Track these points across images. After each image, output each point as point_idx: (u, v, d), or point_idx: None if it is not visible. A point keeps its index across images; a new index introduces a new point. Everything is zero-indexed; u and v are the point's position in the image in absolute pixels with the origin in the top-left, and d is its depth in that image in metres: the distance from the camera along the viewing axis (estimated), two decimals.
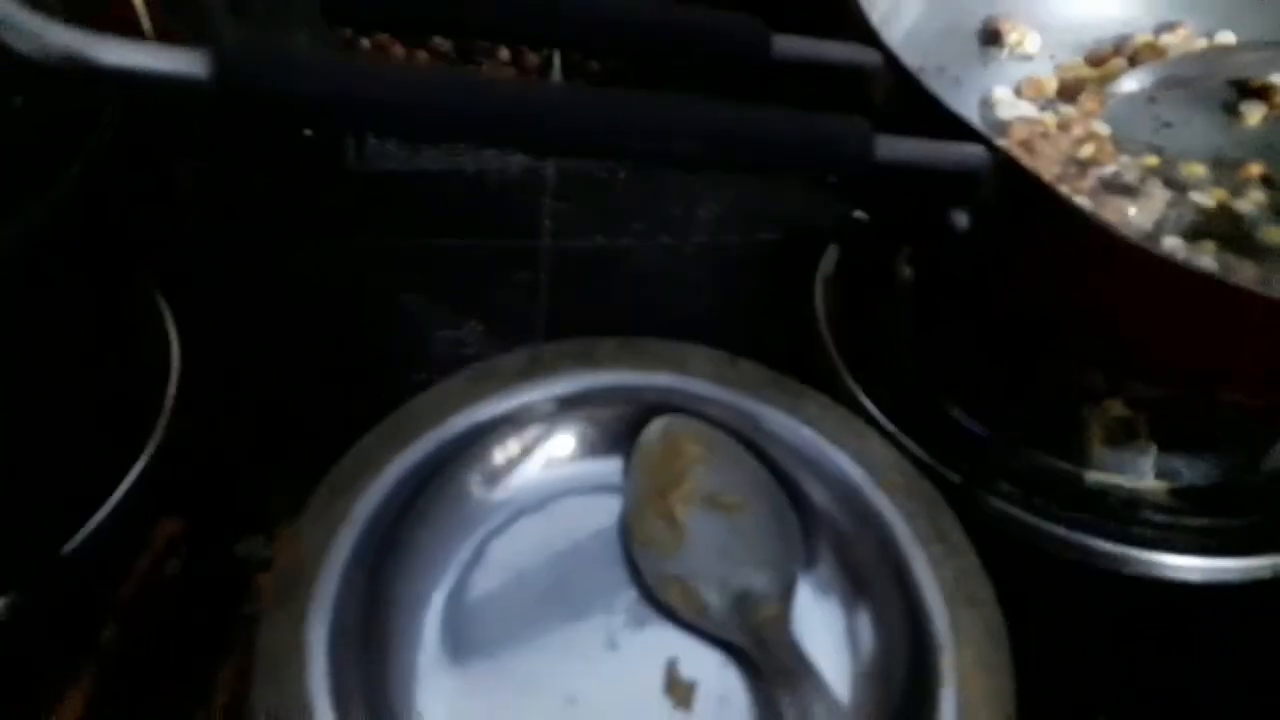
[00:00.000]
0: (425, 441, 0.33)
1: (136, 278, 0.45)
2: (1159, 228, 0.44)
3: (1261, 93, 0.49)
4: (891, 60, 0.35)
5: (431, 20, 0.28)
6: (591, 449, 0.36)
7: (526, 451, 0.35)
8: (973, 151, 0.32)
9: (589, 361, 0.35)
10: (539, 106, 0.25)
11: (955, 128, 0.33)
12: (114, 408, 0.40)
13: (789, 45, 0.33)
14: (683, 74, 0.33)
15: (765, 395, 0.36)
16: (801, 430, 0.35)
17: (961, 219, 0.33)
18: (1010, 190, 0.32)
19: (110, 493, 0.37)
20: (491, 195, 0.57)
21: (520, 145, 0.26)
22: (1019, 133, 0.46)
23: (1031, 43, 0.51)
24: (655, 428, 0.36)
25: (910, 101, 0.34)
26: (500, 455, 0.35)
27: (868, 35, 0.35)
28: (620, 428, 0.36)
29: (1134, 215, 0.43)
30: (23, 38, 0.20)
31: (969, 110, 0.49)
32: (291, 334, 0.48)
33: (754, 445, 0.36)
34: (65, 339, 0.38)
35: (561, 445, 0.36)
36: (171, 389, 0.42)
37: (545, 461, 0.36)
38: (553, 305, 0.51)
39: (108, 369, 0.41)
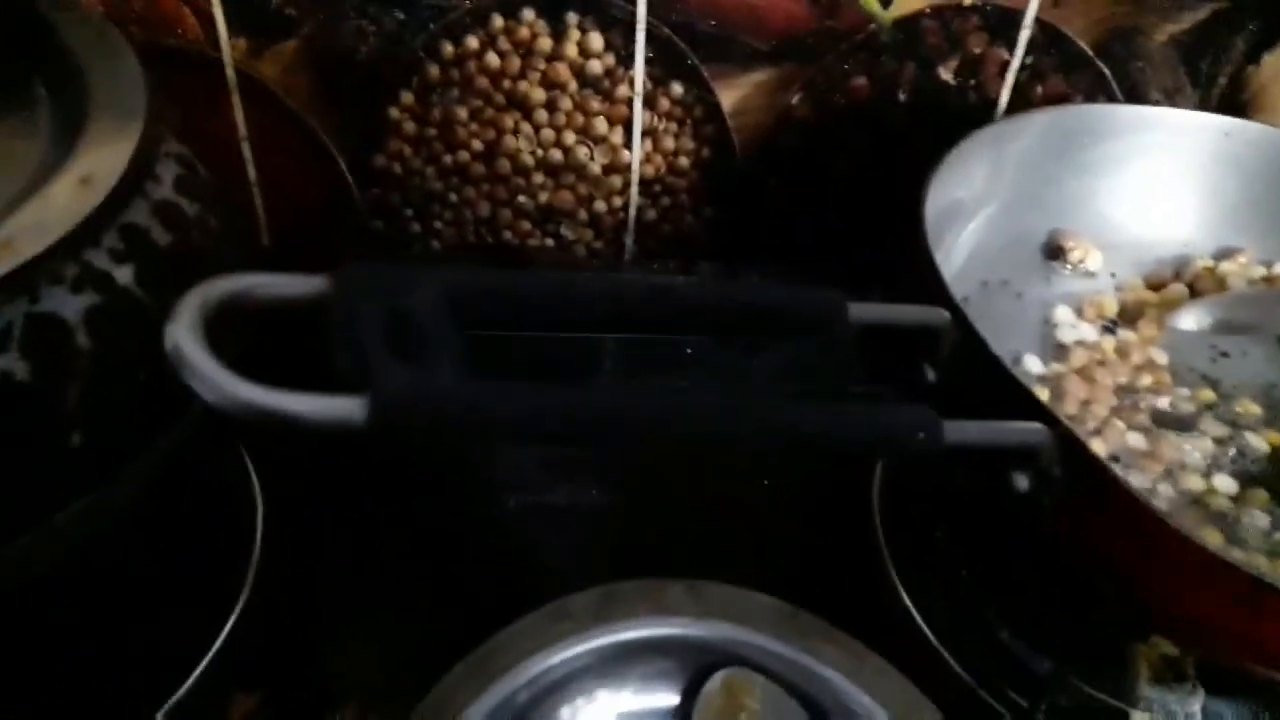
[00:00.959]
0: (503, 685, 0.35)
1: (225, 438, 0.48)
2: (1212, 466, 0.45)
3: None
4: (963, 323, 0.37)
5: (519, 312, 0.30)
6: (655, 691, 0.38)
7: (596, 696, 0.37)
8: (1034, 429, 0.33)
9: (659, 607, 0.37)
10: (641, 411, 0.27)
11: (1019, 399, 0.35)
12: (200, 576, 0.43)
13: (864, 312, 0.35)
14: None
15: (822, 652, 0.38)
16: (859, 696, 0.36)
17: (1022, 481, 0.35)
18: (1068, 463, 0.34)
19: (194, 666, 0.39)
20: None
21: (622, 444, 0.28)
22: (1078, 358, 0.48)
23: (1093, 260, 0.54)
24: (717, 680, 0.37)
25: (974, 362, 0.36)
26: (570, 706, 0.37)
27: (942, 298, 0.37)
28: (684, 673, 0.38)
29: (1187, 452, 0.45)
30: (210, 389, 0.23)
31: (1031, 327, 0.51)
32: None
33: (809, 700, 0.37)
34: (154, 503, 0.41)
35: (629, 689, 0.38)
36: (255, 554, 0.45)
37: (614, 707, 0.37)
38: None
39: (195, 533, 0.44)
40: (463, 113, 0.64)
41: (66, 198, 0.29)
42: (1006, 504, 0.36)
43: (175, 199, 0.34)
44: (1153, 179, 0.54)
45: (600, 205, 0.68)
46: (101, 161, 0.31)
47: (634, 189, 0.67)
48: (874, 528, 0.48)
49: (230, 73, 0.61)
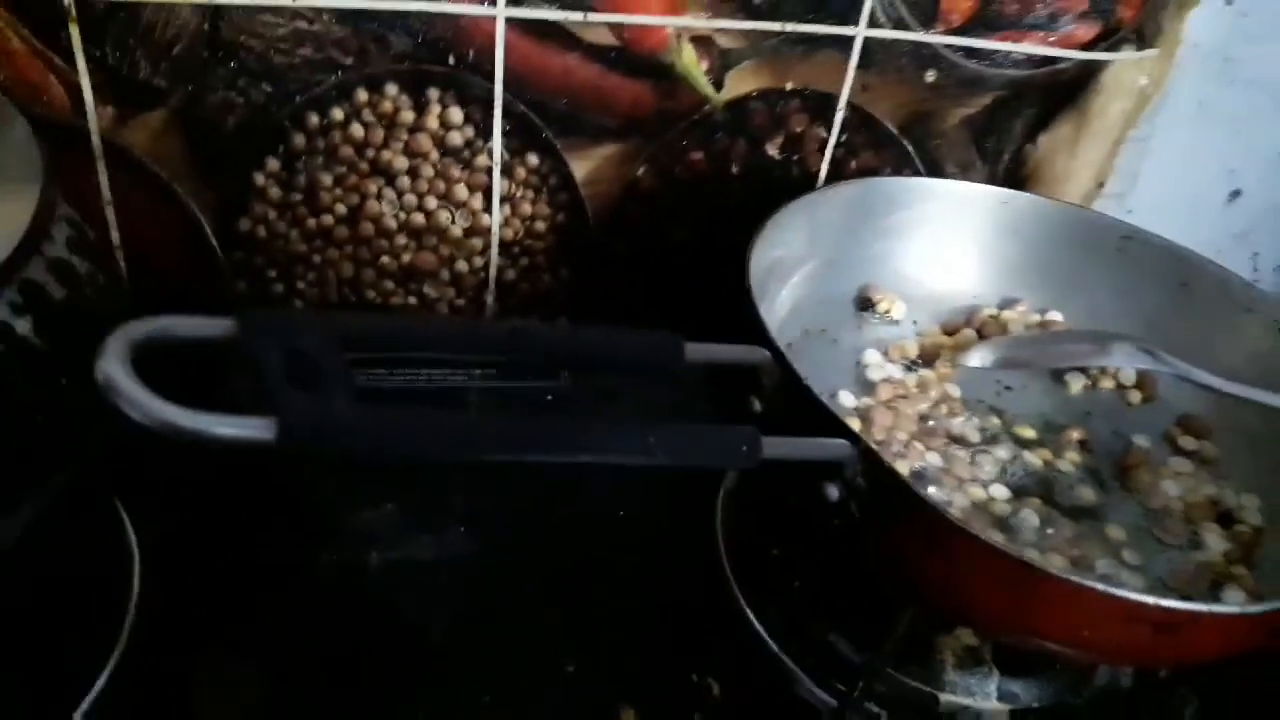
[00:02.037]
0: None
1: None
2: (998, 480, 0.52)
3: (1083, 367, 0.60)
4: (780, 360, 0.43)
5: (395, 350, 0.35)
6: None
7: None
8: (840, 445, 0.39)
9: None
10: (518, 433, 0.32)
11: (828, 421, 0.41)
12: (74, 622, 0.44)
13: (698, 352, 0.41)
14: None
15: None
16: None
17: (833, 491, 0.41)
18: (869, 474, 0.40)
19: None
20: None
21: (498, 460, 0.32)
22: (884, 392, 0.55)
23: (898, 310, 0.61)
24: None
25: (792, 392, 0.42)
26: None
27: (763, 340, 0.44)
28: None
29: (978, 467, 0.52)
30: (134, 409, 0.27)
31: (845, 368, 0.58)
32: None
33: None
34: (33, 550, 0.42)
35: None
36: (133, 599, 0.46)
37: None
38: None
39: (67, 581, 0.45)
40: (327, 179, 0.67)
41: None
42: (820, 513, 0.42)
43: (68, 257, 0.36)
44: (945, 240, 0.63)
45: (462, 265, 0.72)
46: (3, 221, 0.34)
47: (494, 250, 0.72)
48: (718, 550, 0.54)
49: (96, 140, 0.62)
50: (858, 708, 0.47)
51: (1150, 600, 0.36)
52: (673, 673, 0.48)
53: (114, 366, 0.27)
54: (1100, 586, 0.36)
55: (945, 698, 0.48)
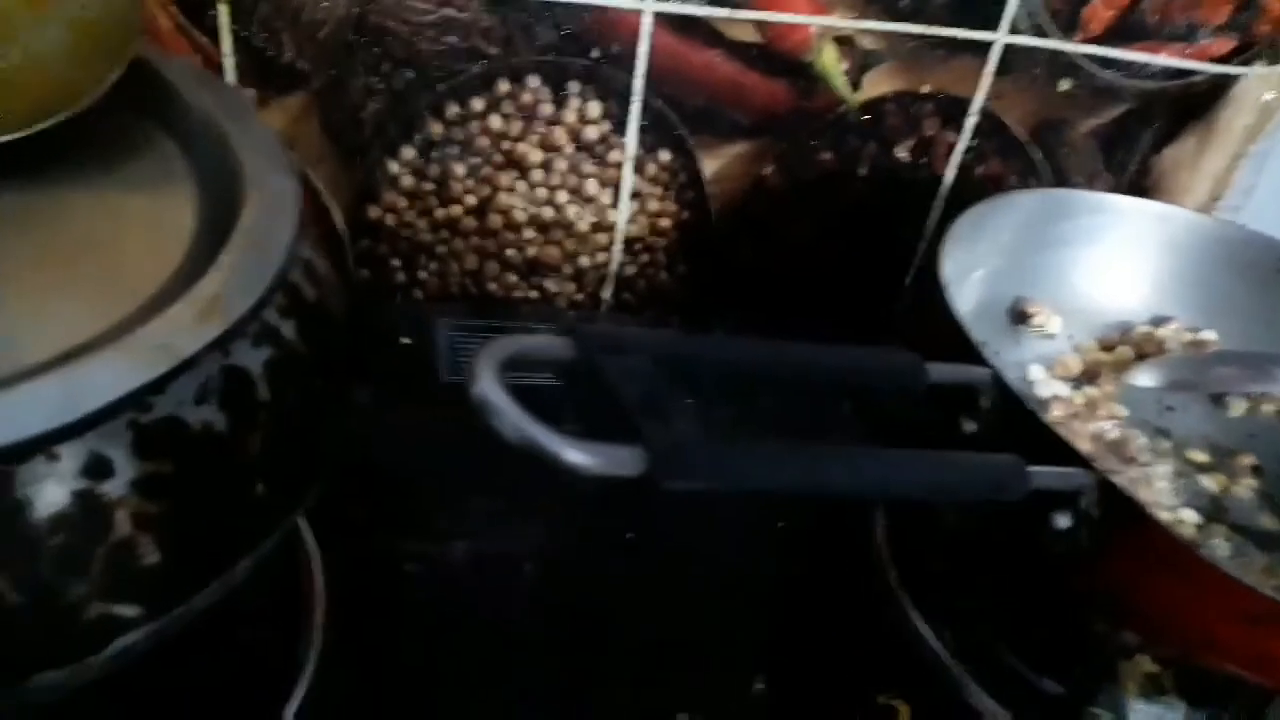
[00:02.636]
0: None
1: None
2: (1182, 503, 0.52)
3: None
4: (999, 381, 0.42)
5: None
6: None
7: None
8: (1079, 473, 0.39)
9: None
10: (863, 473, 0.31)
11: (1057, 448, 0.40)
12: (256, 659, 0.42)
13: (939, 371, 0.40)
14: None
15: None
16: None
17: (1063, 520, 0.40)
18: (1107, 502, 0.39)
19: None
20: None
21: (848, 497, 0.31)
22: (1058, 411, 0.54)
23: (1054, 324, 0.60)
24: None
25: (1013, 416, 0.41)
26: None
27: (977, 359, 0.42)
28: None
29: (1156, 493, 0.51)
30: (512, 431, 0.25)
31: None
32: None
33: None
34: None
35: None
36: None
37: None
38: None
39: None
40: (461, 169, 0.66)
41: (245, 257, 0.31)
42: (1047, 543, 0.41)
43: (312, 256, 0.35)
44: (1101, 255, 0.62)
45: (584, 260, 0.71)
46: (268, 220, 0.32)
47: (617, 246, 0.71)
48: (882, 565, 0.53)
49: None
50: None
51: None
52: (859, 695, 0.48)
53: (489, 385, 0.26)
54: None
55: None
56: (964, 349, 0.44)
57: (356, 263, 0.68)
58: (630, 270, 0.73)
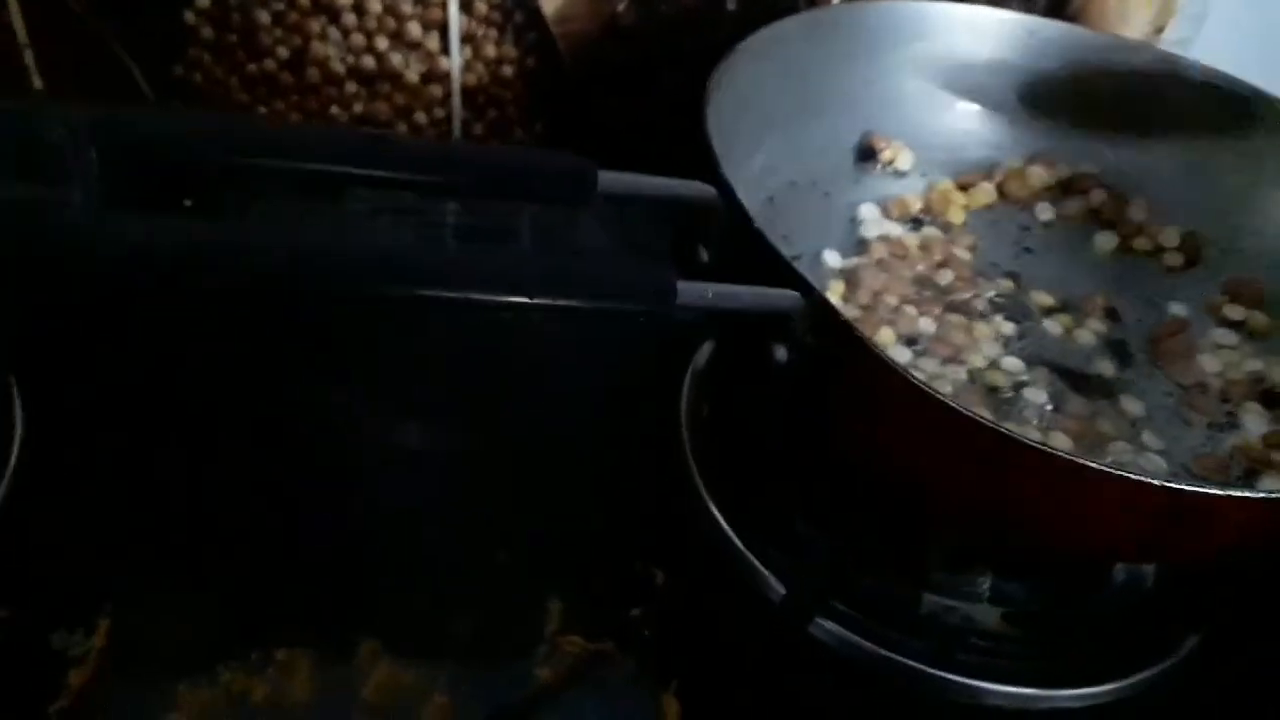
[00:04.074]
0: None
1: None
2: (1004, 351, 0.45)
3: (1114, 224, 0.51)
4: (729, 197, 0.36)
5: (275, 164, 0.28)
6: None
7: None
8: (786, 294, 0.32)
9: None
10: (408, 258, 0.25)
11: (777, 267, 0.34)
12: None
13: (615, 181, 0.34)
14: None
15: None
16: None
17: (780, 352, 0.34)
18: (820, 328, 0.33)
19: None
20: None
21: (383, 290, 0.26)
22: (878, 251, 0.47)
23: (904, 160, 0.53)
24: None
25: (741, 236, 0.35)
26: None
27: (712, 172, 0.36)
28: None
29: (978, 339, 0.45)
30: None
31: (837, 225, 0.50)
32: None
33: None
34: None
35: None
36: (10, 466, 0.41)
37: None
38: None
39: None
40: (265, 17, 0.60)
41: None
42: (772, 380, 0.35)
43: None
44: (960, 79, 0.54)
45: (420, 117, 0.65)
46: None
47: (456, 99, 0.65)
48: (680, 432, 0.47)
49: None
50: (820, 603, 0.40)
51: (1156, 483, 0.29)
52: (617, 563, 0.43)
53: None
54: (1091, 463, 0.29)
55: (929, 598, 0.42)
56: (704, 160, 0.37)
57: None
58: (478, 129, 0.67)
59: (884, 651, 0.40)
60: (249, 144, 0.28)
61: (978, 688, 0.40)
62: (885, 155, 0.53)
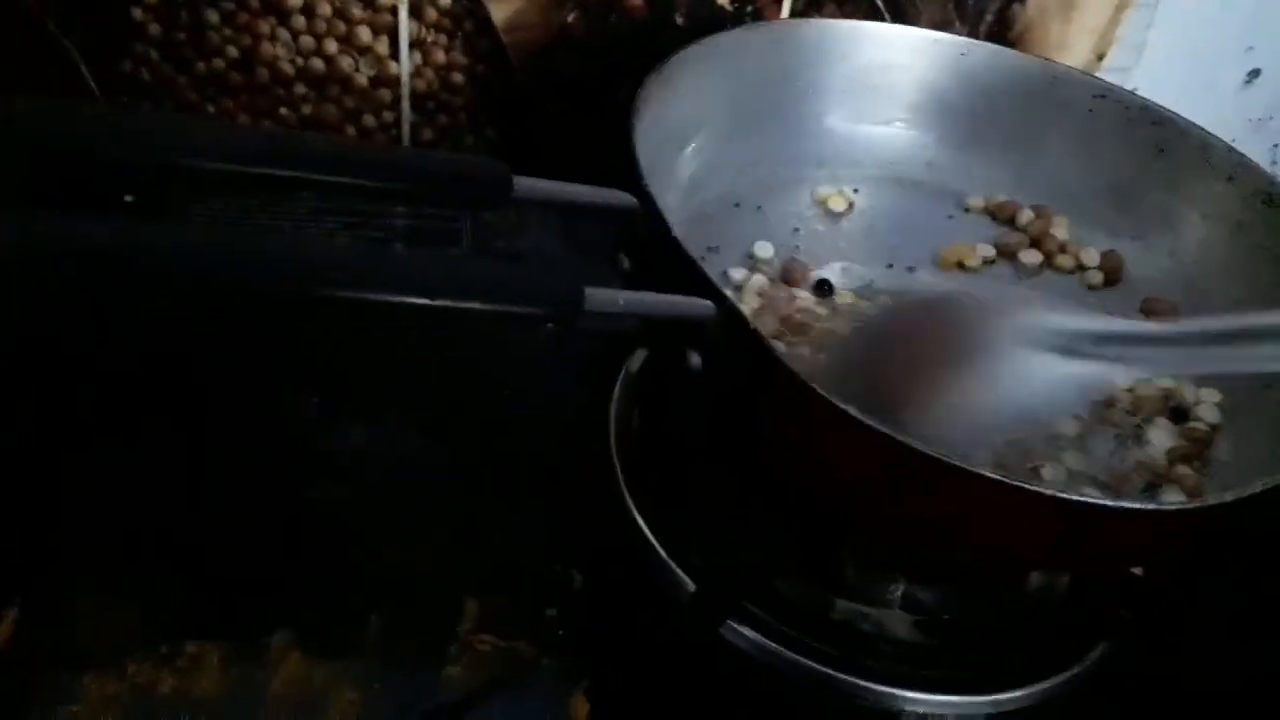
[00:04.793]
0: None
1: None
2: None
3: (1038, 242, 0.52)
4: (647, 203, 0.36)
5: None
6: None
7: None
8: (698, 303, 0.33)
9: None
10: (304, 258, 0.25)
11: (692, 275, 0.34)
12: None
13: (531, 187, 0.34)
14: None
15: None
16: None
17: (695, 359, 0.35)
18: (729, 336, 0.34)
19: None
20: None
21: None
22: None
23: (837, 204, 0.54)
24: None
25: (658, 244, 0.36)
26: None
27: (634, 180, 0.37)
28: None
29: None
30: None
31: (769, 238, 0.51)
32: None
33: None
34: None
35: None
36: None
37: None
38: None
39: None
40: (214, 16, 0.60)
41: None
42: (688, 386, 0.35)
43: None
44: (892, 98, 0.55)
45: (369, 120, 0.65)
46: None
47: (405, 103, 0.65)
48: (608, 438, 0.48)
49: None
50: (732, 605, 0.41)
51: (1046, 492, 0.30)
52: (536, 564, 0.43)
53: None
54: (987, 473, 0.30)
55: (842, 603, 0.43)
56: (627, 167, 0.38)
57: None
58: (428, 134, 0.67)
59: (795, 656, 0.41)
60: (158, 143, 0.28)
61: (888, 694, 0.41)
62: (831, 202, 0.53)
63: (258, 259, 0.26)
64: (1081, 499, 0.33)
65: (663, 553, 0.42)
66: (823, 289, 0.48)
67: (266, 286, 0.26)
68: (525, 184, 0.35)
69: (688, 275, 0.35)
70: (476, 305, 0.29)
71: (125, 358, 0.46)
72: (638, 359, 0.52)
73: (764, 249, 0.48)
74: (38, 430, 0.44)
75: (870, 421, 0.31)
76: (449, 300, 0.28)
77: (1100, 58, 0.75)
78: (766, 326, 0.44)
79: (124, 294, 0.25)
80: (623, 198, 0.37)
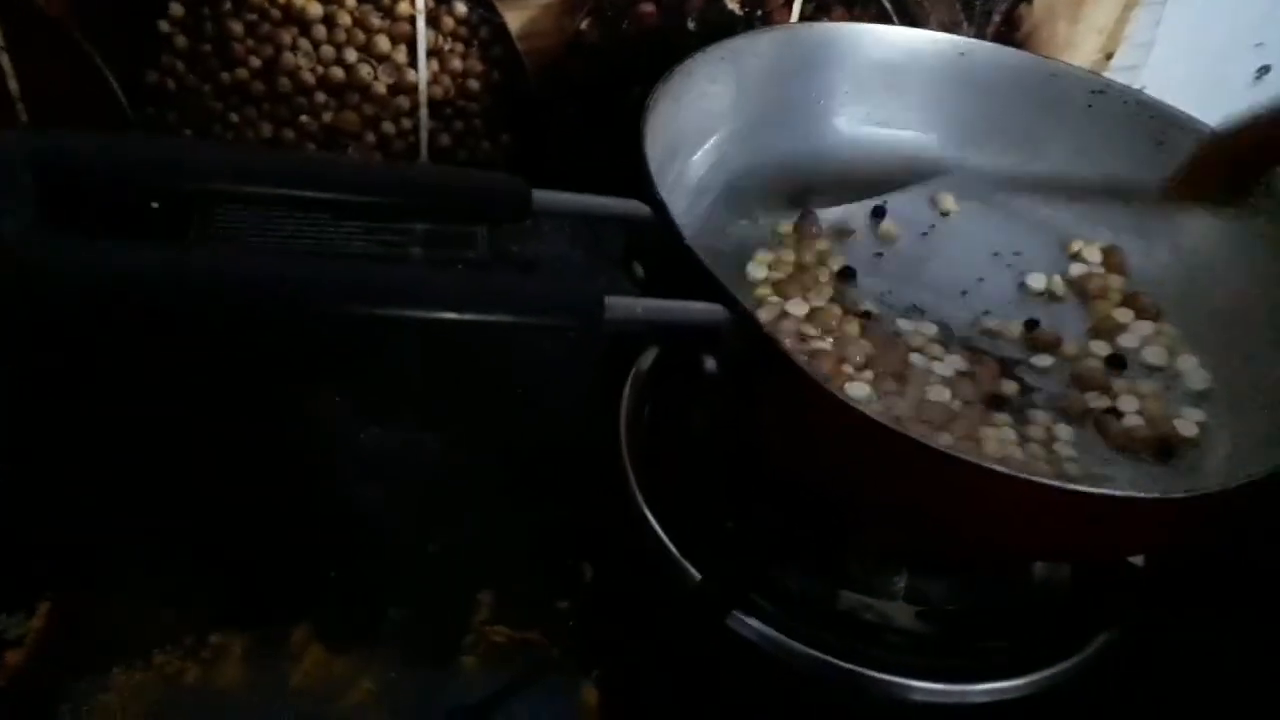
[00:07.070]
0: None
1: None
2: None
3: None
4: (661, 212, 0.37)
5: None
6: None
7: None
8: (711, 308, 0.34)
9: None
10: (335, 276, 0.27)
11: (705, 281, 0.35)
12: None
13: (549, 199, 0.35)
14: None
15: None
16: None
17: (710, 363, 0.36)
18: (744, 340, 0.35)
19: None
20: None
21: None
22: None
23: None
24: None
25: (671, 251, 0.37)
26: None
27: (646, 188, 0.38)
28: None
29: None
30: None
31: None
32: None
33: None
34: None
35: None
36: None
37: None
38: None
39: None
40: (238, 27, 0.62)
41: None
42: (704, 391, 0.37)
43: None
44: (893, 97, 0.55)
45: (388, 127, 0.67)
46: None
47: (423, 111, 0.67)
48: (618, 433, 0.49)
49: None
50: (739, 597, 0.42)
51: (1058, 485, 0.31)
52: (549, 557, 0.44)
53: None
54: (1000, 468, 0.31)
55: (846, 594, 0.44)
56: (644, 182, 0.39)
57: (145, 131, 0.65)
58: (445, 140, 0.69)
59: (800, 646, 0.41)
60: (186, 168, 0.30)
61: (892, 683, 0.41)
62: None
63: (301, 281, 0.28)
64: (1083, 489, 0.34)
65: (671, 546, 0.43)
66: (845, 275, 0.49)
67: (307, 306, 0.28)
68: (543, 197, 0.36)
69: (700, 282, 0.36)
70: (503, 318, 0.30)
71: (156, 357, 0.48)
72: (648, 357, 0.53)
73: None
74: (70, 428, 0.45)
75: (883, 420, 0.32)
76: (476, 314, 0.30)
77: (1109, 57, 0.76)
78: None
79: (172, 320, 0.26)
80: (638, 207, 0.38)
